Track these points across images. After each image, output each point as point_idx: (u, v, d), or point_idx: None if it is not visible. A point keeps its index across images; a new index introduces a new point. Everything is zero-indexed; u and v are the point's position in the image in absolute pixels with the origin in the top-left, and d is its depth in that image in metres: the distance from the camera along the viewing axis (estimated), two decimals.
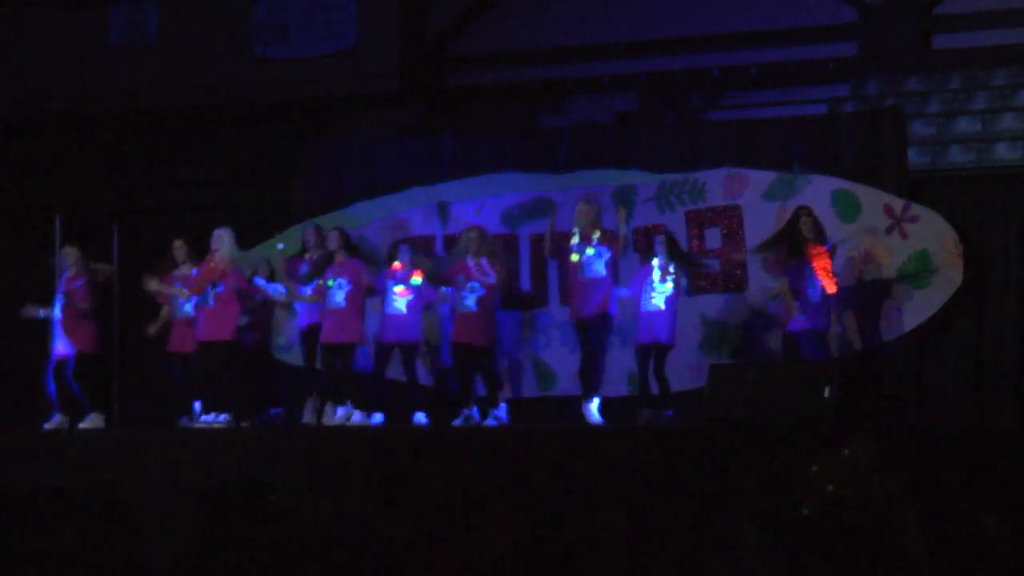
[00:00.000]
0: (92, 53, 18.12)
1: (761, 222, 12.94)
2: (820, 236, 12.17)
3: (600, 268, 12.46)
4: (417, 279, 12.94)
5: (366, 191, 14.36)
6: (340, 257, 13.01)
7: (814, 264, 12.03)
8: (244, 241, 13.49)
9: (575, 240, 12.57)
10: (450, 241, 13.82)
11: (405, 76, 17.39)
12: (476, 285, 12.71)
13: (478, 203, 13.97)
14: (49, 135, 17.67)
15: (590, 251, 12.48)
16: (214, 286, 13.01)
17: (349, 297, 12.87)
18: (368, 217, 14.21)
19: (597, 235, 12.50)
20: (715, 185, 13.31)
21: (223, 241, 13.14)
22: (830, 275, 12.08)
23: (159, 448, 12.37)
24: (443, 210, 14.07)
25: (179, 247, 13.65)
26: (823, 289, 12.02)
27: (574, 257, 12.52)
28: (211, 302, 13.00)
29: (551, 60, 17.02)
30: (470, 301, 12.72)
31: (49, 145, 17.55)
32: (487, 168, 14.10)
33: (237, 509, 6.10)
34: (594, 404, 12.38)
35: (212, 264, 13.08)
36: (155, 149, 17.51)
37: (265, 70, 17.62)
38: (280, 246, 13.36)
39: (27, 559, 5.83)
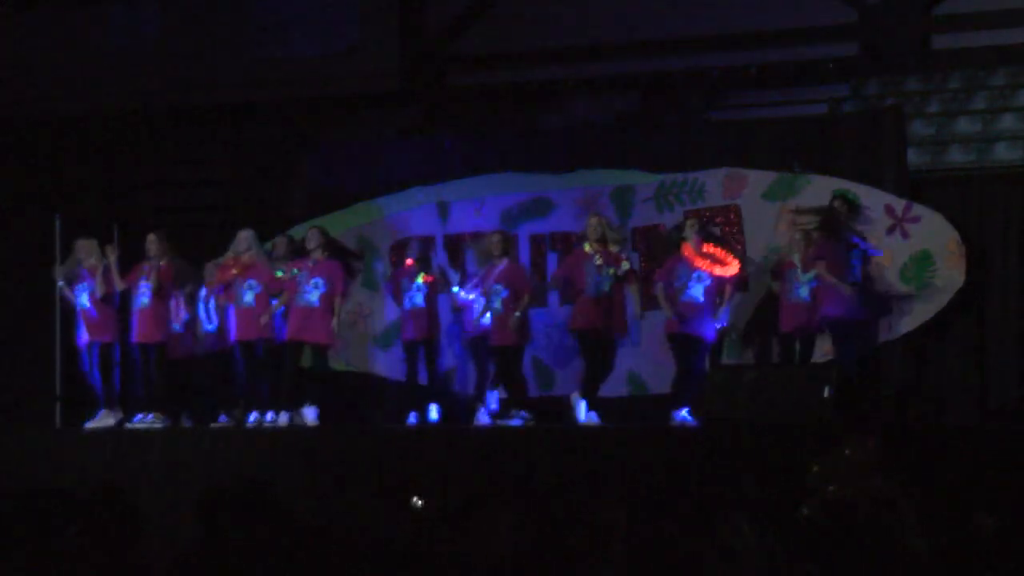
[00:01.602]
0: (92, 53, 18.11)
1: (761, 222, 12.94)
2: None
3: (606, 287, 12.50)
4: (420, 279, 13.09)
5: (366, 191, 14.36)
6: (320, 256, 13.03)
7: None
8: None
9: (598, 262, 12.49)
10: (450, 241, 13.84)
11: (405, 76, 17.39)
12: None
13: (478, 203, 13.96)
14: (49, 135, 17.66)
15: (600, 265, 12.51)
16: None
17: (323, 298, 12.90)
18: (368, 217, 14.22)
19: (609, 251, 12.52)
20: (714, 185, 13.30)
21: (251, 241, 13.13)
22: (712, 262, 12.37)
23: (159, 448, 12.37)
24: (443, 210, 14.06)
25: (152, 241, 13.34)
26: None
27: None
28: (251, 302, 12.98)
29: (551, 60, 17.01)
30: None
31: (49, 145, 17.55)
32: (487, 168, 14.10)
33: (237, 509, 6.10)
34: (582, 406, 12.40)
35: (241, 264, 13.00)
36: (155, 149, 17.51)
37: (265, 70, 17.61)
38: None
39: (27, 559, 5.82)
